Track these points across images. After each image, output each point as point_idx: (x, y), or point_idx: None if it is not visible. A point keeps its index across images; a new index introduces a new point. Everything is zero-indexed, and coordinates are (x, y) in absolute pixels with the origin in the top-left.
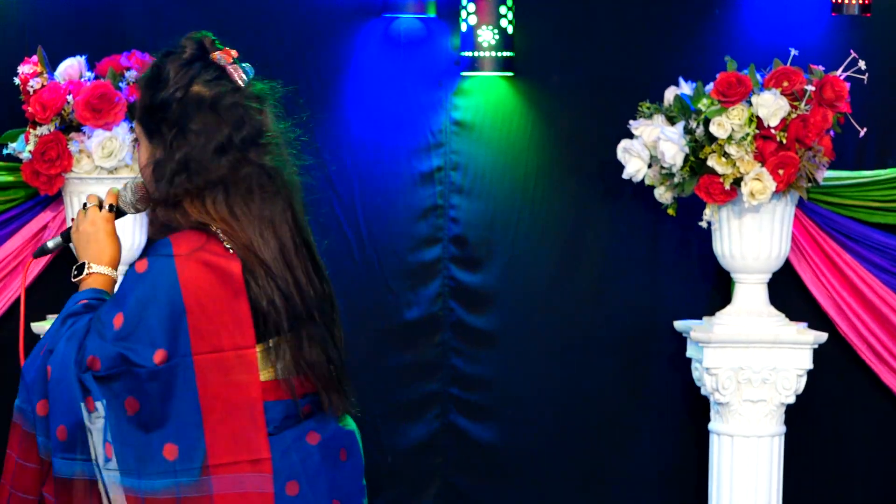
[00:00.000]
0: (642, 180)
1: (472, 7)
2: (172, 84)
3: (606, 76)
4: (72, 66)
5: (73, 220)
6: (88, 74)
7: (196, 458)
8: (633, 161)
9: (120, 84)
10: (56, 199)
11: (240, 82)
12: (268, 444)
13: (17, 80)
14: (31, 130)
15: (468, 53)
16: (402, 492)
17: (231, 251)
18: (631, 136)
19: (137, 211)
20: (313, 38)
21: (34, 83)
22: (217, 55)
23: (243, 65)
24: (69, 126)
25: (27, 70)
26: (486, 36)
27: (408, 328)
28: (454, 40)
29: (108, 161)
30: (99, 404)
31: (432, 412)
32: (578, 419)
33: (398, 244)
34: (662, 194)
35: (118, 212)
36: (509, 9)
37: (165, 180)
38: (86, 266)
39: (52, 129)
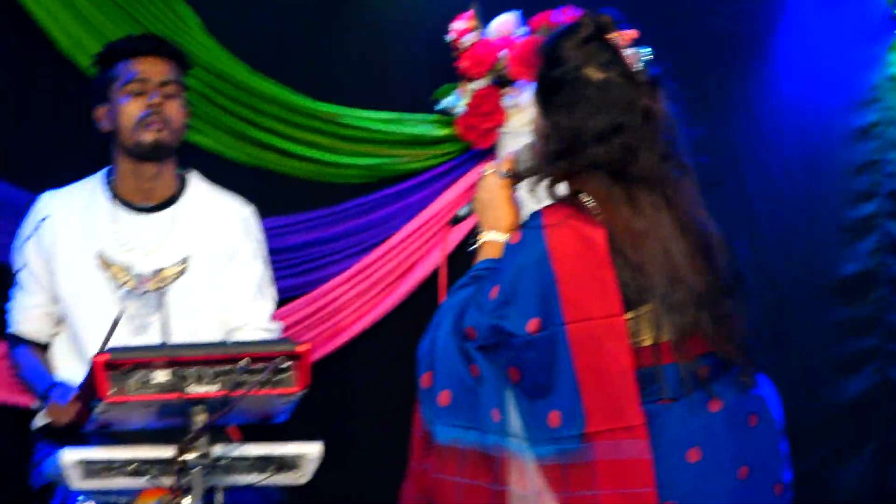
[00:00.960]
0: None
1: None
2: (566, 63)
3: None
4: (505, 22)
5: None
6: (522, 29)
7: (577, 425)
8: None
9: None
10: (489, 154)
11: (633, 67)
12: (641, 411)
13: (447, 37)
14: (465, 85)
15: None
16: (837, 448)
17: (598, 219)
18: None
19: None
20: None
21: (467, 39)
22: (614, 36)
23: (641, 48)
24: (501, 81)
25: (460, 26)
26: None
27: (844, 283)
28: None
29: None
30: (483, 370)
31: (870, 368)
32: None
33: (833, 200)
34: None
35: (517, 177)
36: None
37: (548, 159)
38: (482, 234)
39: (485, 84)
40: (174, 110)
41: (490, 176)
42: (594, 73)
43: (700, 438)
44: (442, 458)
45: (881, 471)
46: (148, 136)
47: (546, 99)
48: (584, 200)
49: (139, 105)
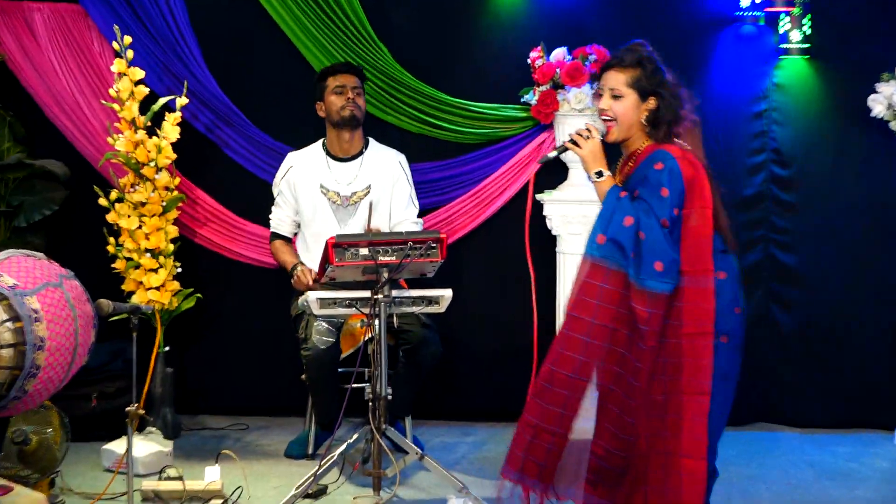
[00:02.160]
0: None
1: (787, 19)
2: (661, 73)
3: (870, 53)
4: (559, 52)
5: (563, 141)
6: (568, 57)
7: (675, 267)
8: (877, 106)
9: (586, 63)
10: (549, 127)
11: (670, 73)
12: (712, 259)
13: (528, 60)
14: (536, 88)
15: (784, 45)
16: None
17: (695, 155)
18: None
19: (604, 140)
20: (684, 37)
21: (538, 62)
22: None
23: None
24: (557, 85)
25: (534, 55)
26: (795, 36)
27: (745, 200)
28: (775, 38)
29: (578, 105)
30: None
31: (760, 247)
32: None
33: (742, 153)
34: None
35: (603, 139)
36: (809, 20)
37: (663, 124)
38: (603, 172)
39: (547, 88)
40: (360, 101)
41: (591, 138)
42: (670, 78)
43: (724, 268)
44: (653, 297)
45: (767, 307)
46: (347, 112)
47: (649, 93)
48: (682, 143)
49: (341, 100)
